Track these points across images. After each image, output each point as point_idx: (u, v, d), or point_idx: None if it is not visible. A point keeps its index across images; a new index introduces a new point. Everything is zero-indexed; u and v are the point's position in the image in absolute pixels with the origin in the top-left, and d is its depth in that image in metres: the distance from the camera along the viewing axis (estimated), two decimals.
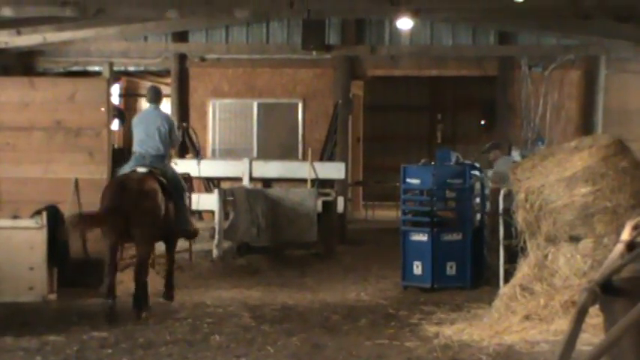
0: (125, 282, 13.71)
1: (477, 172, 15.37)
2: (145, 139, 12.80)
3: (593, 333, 8.20)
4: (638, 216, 5.09)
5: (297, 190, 18.25)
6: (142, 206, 11.90)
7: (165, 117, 13.14)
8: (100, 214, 11.90)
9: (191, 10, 19.41)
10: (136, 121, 13.19)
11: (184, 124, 14.93)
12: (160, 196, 12.13)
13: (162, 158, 12.88)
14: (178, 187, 12.89)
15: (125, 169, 12.90)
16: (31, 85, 13.91)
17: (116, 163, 16.55)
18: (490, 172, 15.55)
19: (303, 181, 18.88)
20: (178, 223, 12.76)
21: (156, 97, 13.15)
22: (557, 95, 22.06)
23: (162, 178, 12.48)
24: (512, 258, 12.17)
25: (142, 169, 12.50)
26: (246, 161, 19.36)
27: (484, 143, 17.55)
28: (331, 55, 22.27)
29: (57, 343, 10.07)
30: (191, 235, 13.90)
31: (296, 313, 12.06)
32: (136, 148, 12.90)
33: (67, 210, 13.13)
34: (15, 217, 12.96)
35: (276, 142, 22.61)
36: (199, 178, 19.06)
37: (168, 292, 12.89)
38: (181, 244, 16.57)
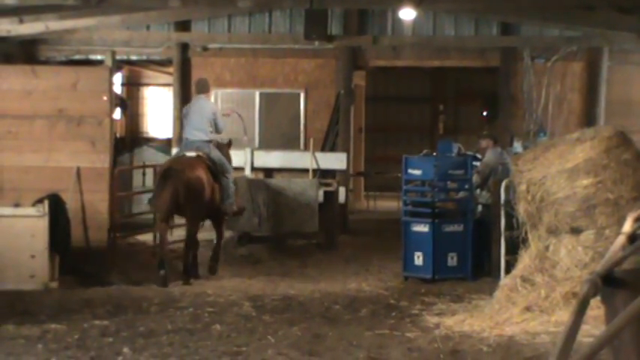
0: (126, 271, 13.76)
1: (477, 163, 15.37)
2: (193, 127, 14.41)
3: (594, 325, 8.21)
4: (639, 208, 5.09)
5: (298, 180, 18.23)
6: (189, 188, 13.57)
7: (211, 107, 14.77)
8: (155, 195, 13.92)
9: (193, 0, 19.41)
10: (185, 111, 14.88)
11: (229, 111, 16.12)
12: (206, 178, 13.87)
13: (209, 143, 14.43)
14: (224, 169, 14.51)
15: (177, 153, 14.83)
16: (33, 74, 13.91)
17: (118, 151, 16.67)
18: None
19: (305, 171, 18.86)
20: (223, 201, 14.47)
21: (203, 88, 14.85)
22: (560, 87, 22.03)
23: (208, 162, 14.18)
24: (514, 249, 12.18)
25: (190, 154, 14.20)
26: (247, 151, 19.34)
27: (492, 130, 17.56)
28: (333, 46, 22.25)
29: (58, 331, 10.09)
30: (236, 213, 15.29)
31: (297, 302, 12.08)
32: (186, 134, 14.61)
33: (69, 198, 13.16)
34: (17, 205, 12.97)
35: (278, 132, 22.60)
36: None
37: (213, 265, 14.58)
38: (181, 233, 16.64)
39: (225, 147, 15.21)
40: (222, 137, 15.41)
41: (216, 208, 14.46)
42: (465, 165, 14.47)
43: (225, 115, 15.42)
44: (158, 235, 14.28)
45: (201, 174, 13.90)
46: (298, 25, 22.13)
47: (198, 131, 14.43)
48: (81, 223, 13.40)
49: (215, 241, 14.96)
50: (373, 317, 11.21)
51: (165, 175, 13.85)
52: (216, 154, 14.49)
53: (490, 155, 15.27)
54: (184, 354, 9.20)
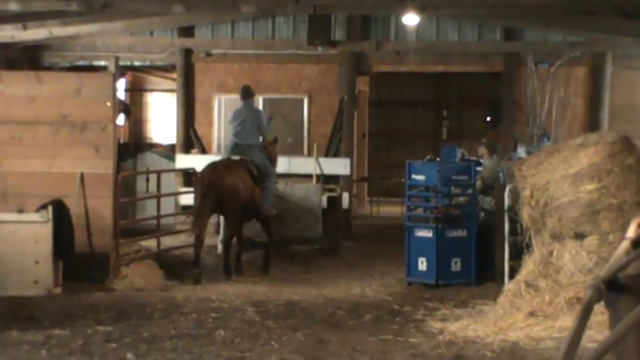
0: (130, 276, 13.75)
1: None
2: (238, 132, 15.31)
3: (598, 330, 8.22)
4: None
5: (302, 185, 18.22)
6: (223, 191, 14.35)
7: (255, 112, 15.53)
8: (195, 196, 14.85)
9: (197, 5, 19.41)
10: (231, 117, 15.81)
11: (273, 114, 16.66)
12: (241, 181, 14.62)
13: (254, 147, 15.31)
14: (267, 173, 15.29)
15: (222, 157, 15.60)
16: (37, 80, 13.91)
17: (121, 157, 16.65)
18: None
19: (309, 176, 18.86)
20: (262, 205, 15.17)
21: (247, 94, 15.63)
22: (563, 92, 22.02)
23: (251, 165, 14.96)
24: (517, 254, 12.17)
25: (235, 157, 15.10)
26: None
27: (491, 139, 17.57)
28: (337, 51, 22.26)
29: (62, 337, 10.09)
30: (273, 217, 15.89)
31: (300, 308, 12.07)
32: (232, 139, 15.53)
33: (72, 204, 13.16)
34: (20, 210, 12.97)
35: (282, 137, 22.60)
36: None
37: (266, 265, 15.33)
38: (185, 238, 16.65)
39: (270, 145, 16.05)
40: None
41: (258, 209, 15.16)
42: (469, 170, 14.46)
43: (269, 118, 16.16)
44: (194, 236, 14.88)
45: (236, 177, 14.59)
46: (302, 30, 22.16)
47: (244, 136, 15.26)
48: (84, 229, 13.38)
49: (265, 242, 15.66)
50: (377, 323, 11.20)
51: (201, 180, 14.71)
52: (260, 158, 15.25)
53: (489, 163, 15.28)
54: (188, 359, 9.20)
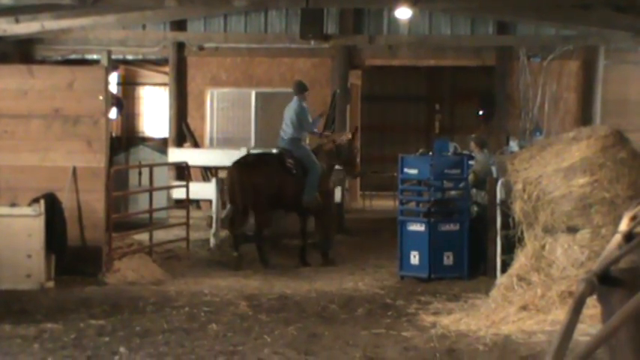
0: (122, 270, 13.73)
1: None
2: (283, 127, 15.99)
3: (591, 324, 8.22)
4: (636, 207, 5.08)
5: None
6: (252, 179, 15.17)
7: (298, 107, 15.91)
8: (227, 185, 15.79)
9: None
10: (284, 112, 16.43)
11: (325, 110, 17.09)
12: (270, 174, 15.28)
13: (296, 141, 15.86)
14: (306, 166, 15.67)
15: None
16: (29, 73, 13.88)
17: (114, 151, 16.63)
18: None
19: None
20: (304, 197, 15.55)
21: (297, 90, 16.16)
22: (556, 86, 22.04)
23: (289, 158, 15.53)
24: (510, 248, 12.18)
25: (273, 150, 16.22)
26: (243, 150, 19.33)
27: (481, 134, 17.58)
28: (329, 45, 22.25)
29: (54, 330, 10.09)
30: (312, 209, 16.06)
31: (293, 302, 12.07)
32: (280, 133, 16.19)
33: (65, 198, 13.14)
34: (13, 204, 12.95)
35: (274, 131, 22.56)
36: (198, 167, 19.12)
37: (325, 258, 15.83)
38: (178, 232, 16.63)
39: (343, 146, 16.40)
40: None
41: (294, 202, 15.65)
42: (461, 164, 14.46)
43: (320, 115, 16.90)
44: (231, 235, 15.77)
45: (258, 172, 15.27)
46: (294, 24, 22.14)
47: (289, 129, 15.82)
48: (77, 223, 13.36)
49: (310, 238, 16.15)
50: (369, 316, 11.21)
51: (226, 179, 15.80)
52: (302, 152, 15.77)
53: (480, 157, 15.29)
54: (180, 353, 9.20)
